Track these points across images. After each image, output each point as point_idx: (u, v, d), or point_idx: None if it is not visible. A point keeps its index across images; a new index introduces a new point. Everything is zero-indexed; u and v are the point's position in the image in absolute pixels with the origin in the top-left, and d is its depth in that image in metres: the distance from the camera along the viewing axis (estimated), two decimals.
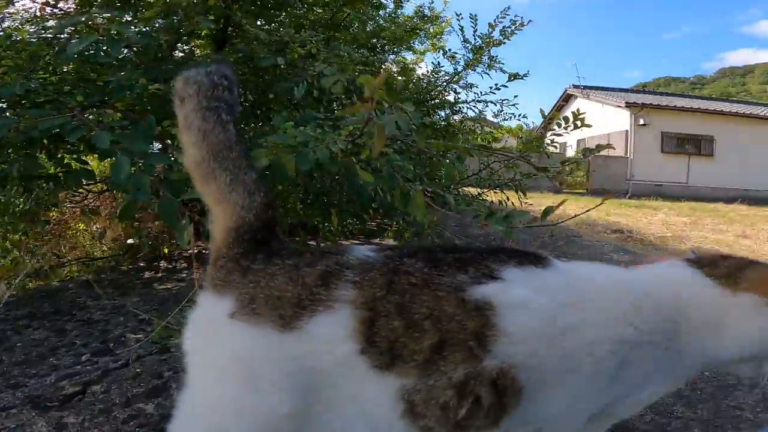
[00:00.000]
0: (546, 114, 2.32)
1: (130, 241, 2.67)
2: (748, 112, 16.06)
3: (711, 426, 1.11)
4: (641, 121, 14.95)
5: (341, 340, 0.47)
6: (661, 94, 20.28)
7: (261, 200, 0.55)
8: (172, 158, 1.04)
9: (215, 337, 0.49)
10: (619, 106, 15.47)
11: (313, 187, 2.01)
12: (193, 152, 0.56)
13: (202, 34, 2.60)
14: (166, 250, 2.84)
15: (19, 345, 1.59)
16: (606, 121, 16.15)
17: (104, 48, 1.21)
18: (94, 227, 2.81)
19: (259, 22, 2.41)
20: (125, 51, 1.54)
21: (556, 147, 2.57)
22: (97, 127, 1.04)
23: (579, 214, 1.14)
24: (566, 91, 18.50)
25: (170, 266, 2.75)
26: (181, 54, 2.45)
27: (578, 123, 2.00)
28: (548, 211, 0.89)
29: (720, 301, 0.60)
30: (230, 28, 2.21)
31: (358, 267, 0.51)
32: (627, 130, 15.38)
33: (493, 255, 0.56)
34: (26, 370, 1.38)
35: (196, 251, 2.77)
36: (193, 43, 2.83)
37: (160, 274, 2.54)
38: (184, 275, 2.45)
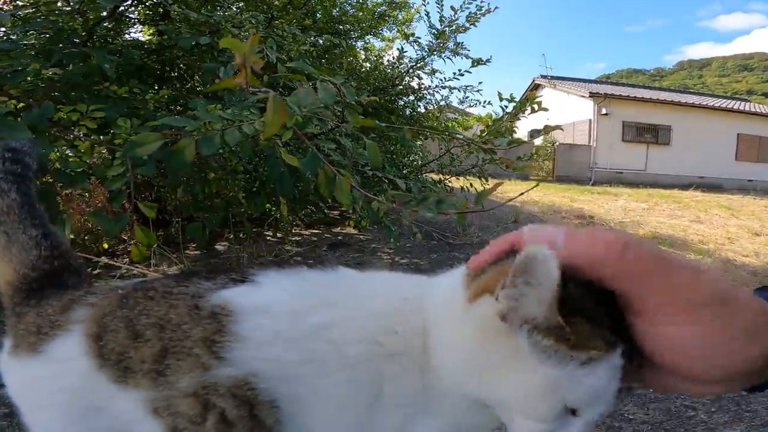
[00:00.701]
0: (502, 97, 2.27)
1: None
2: (704, 103, 16.81)
3: (662, 429, 1.07)
4: (603, 111, 15.40)
5: (78, 358, 0.49)
6: (623, 85, 20.96)
7: (40, 254, 0.60)
8: (64, 147, 0.93)
9: (7, 373, 0.55)
10: (583, 96, 15.87)
11: (260, 174, 1.88)
12: None
13: (144, 19, 2.43)
14: (105, 245, 2.65)
15: None
16: (571, 111, 16.54)
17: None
18: None
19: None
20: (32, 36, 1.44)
21: (515, 132, 2.53)
22: None
23: (513, 198, 1.08)
24: (534, 80, 18.81)
25: (111, 262, 2.57)
26: (129, 39, 2.29)
27: (535, 107, 1.96)
28: (482, 195, 0.81)
29: (446, 312, 0.46)
30: (173, 13, 2.05)
31: (105, 291, 0.54)
32: (590, 119, 15.81)
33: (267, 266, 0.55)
34: None
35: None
36: (142, 30, 2.66)
37: (97, 271, 2.36)
38: (124, 272, 2.28)
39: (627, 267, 0.33)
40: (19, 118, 1.07)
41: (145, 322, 0.48)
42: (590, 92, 15.54)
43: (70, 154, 1.26)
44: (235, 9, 2.76)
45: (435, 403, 0.47)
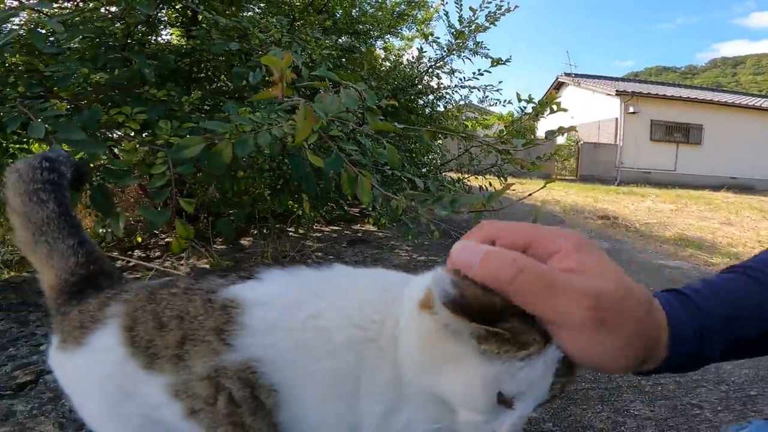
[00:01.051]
0: (521, 98, 2.28)
1: (101, 230, 2.61)
2: (737, 102, 16.16)
3: (666, 426, 1.09)
4: (631, 109, 15.00)
5: (115, 347, 0.55)
6: (652, 83, 20.34)
7: (77, 261, 0.66)
8: (112, 147, 1.02)
9: (57, 367, 0.62)
10: (609, 95, 15.50)
11: (283, 173, 1.96)
12: (19, 233, 0.67)
13: (174, 22, 2.54)
14: (139, 239, 2.78)
15: None
16: (596, 109, 16.18)
17: (29, 41, 1.20)
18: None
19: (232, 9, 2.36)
20: (76, 41, 1.53)
21: (535, 131, 2.55)
22: (35, 117, 1.02)
23: (522, 198, 1.11)
24: (557, 78, 18.47)
25: (145, 255, 2.70)
26: (161, 42, 2.41)
27: (554, 108, 1.98)
28: (492, 196, 0.86)
29: (408, 309, 0.50)
30: (200, 16, 2.15)
31: (136, 289, 0.60)
32: (617, 118, 15.43)
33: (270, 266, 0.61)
34: None
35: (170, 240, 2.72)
36: (173, 33, 2.78)
37: (132, 263, 2.48)
38: (157, 264, 2.41)
39: (517, 293, 0.38)
40: (60, 120, 1.17)
41: (168, 314, 0.54)
42: (617, 90, 15.16)
43: (112, 153, 1.36)
44: (257, 10, 2.85)
45: (405, 392, 0.51)
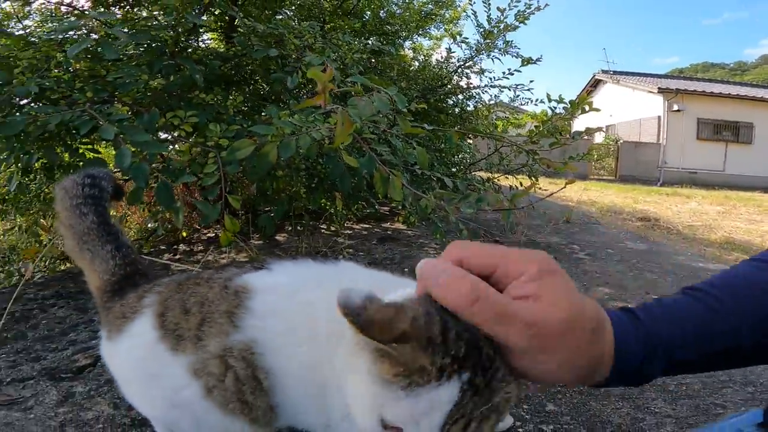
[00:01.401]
0: (551, 99, 2.26)
1: (150, 225, 2.79)
2: None
3: (685, 424, 1.08)
4: (675, 107, 14.31)
5: (148, 332, 0.62)
6: (698, 79, 19.30)
7: (117, 262, 0.73)
8: (171, 148, 1.12)
9: (106, 357, 0.69)
10: (651, 92, 14.84)
11: (318, 172, 2.05)
12: (67, 242, 0.75)
13: (213, 27, 2.68)
14: (185, 234, 2.95)
15: (43, 322, 1.68)
16: (637, 107, 15.55)
17: (99, 49, 1.31)
18: (124, 212, 2.96)
19: (266, 13, 2.47)
20: (131, 47, 1.64)
21: (569, 131, 2.52)
22: (103, 121, 1.13)
23: (548, 196, 1.13)
24: (595, 76, 17.86)
25: (188, 249, 2.86)
26: (203, 47, 2.53)
27: (586, 108, 1.97)
28: (516, 195, 0.90)
29: None
30: (237, 22, 2.27)
31: (167, 282, 0.67)
32: (660, 116, 14.76)
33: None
34: (47, 345, 1.47)
35: (214, 235, 2.89)
36: (211, 36, 2.92)
37: (178, 256, 2.64)
38: (200, 257, 2.55)
39: (475, 317, 0.39)
40: (125, 122, 1.28)
41: (192, 300, 0.61)
42: (659, 87, 14.50)
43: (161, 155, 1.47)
44: (289, 13, 2.95)
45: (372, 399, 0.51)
